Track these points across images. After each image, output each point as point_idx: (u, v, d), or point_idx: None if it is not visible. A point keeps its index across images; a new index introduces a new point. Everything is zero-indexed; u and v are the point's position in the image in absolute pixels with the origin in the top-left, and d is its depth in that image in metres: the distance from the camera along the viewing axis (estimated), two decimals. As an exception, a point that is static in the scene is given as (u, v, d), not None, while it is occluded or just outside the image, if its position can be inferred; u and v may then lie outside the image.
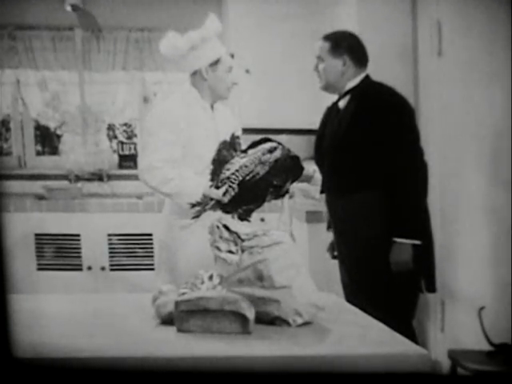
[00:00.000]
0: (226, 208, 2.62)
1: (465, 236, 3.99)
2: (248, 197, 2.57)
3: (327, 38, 3.54)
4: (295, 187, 5.21)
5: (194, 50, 3.38)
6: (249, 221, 2.54)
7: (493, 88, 3.61)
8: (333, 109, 3.58)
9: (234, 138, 2.66)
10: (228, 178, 2.56)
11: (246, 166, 2.54)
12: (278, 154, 2.54)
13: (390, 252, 3.34)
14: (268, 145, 2.57)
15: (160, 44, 3.43)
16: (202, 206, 2.71)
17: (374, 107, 3.41)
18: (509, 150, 3.41)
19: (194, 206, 2.75)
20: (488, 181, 3.66)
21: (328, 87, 3.56)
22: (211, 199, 2.70)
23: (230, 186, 2.56)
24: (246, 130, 4.75)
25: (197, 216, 2.72)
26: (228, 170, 2.58)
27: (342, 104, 3.52)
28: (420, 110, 4.38)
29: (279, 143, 2.58)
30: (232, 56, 3.51)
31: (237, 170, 2.55)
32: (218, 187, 2.61)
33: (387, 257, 3.35)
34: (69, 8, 5.76)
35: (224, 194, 2.58)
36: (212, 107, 3.48)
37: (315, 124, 4.72)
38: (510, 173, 3.40)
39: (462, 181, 3.90)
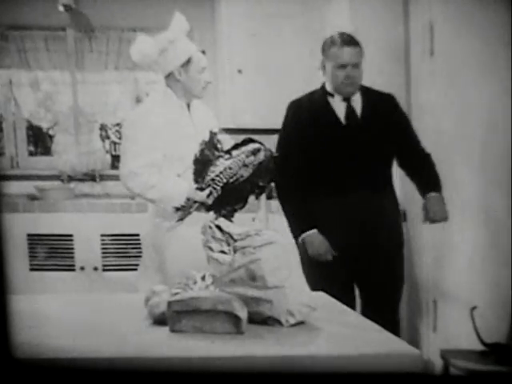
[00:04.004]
0: (209, 209, 2.62)
1: (457, 236, 3.99)
2: (232, 198, 2.58)
3: (357, 42, 3.61)
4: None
5: (164, 52, 3.37)
6: (231, 221, 2.54)
7: (485, 87, 3.62)
8: (336, 106, 3.65)
9: (212, 135, 2.65)
10: (212, 180, 2.56)
11: (230, 169, 2.54)
12: (261, 156, 2.54)
13: (427, 206, 3.60)
14: (251, 146, 2.56)
15: (130, 51, 3.43)
16: (186, 209, 2.71)
17: (385, 100, 3.76)
18: (501, 150, 3.42)
19: (178, 209, 2.75)
20: (481, 181, 3.67)
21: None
22: (195, 202, 2.70)
23: (214, 188, 2.56)
24: (238, 130, 4.76)
25: (181, 219, 2.73)
26: (212, 172, 2.58)
27: (355, 100, 3.68)
28: (412, 109, 4.39)
29: (262, 144, 2.59)
30: (203, 52, 3.48)
31: (221, 172, 2.55)
32: (201, 189, 2.61)
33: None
34: (61, 8, 5.74)
35: (208, 196, 2.58)
36: (188, 106, 3.47)
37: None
38: (503, 173, 3.41)
39: (455, 181, 3.91)
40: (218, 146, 2.64)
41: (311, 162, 3.67)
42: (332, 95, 3.66)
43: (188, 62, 3.40)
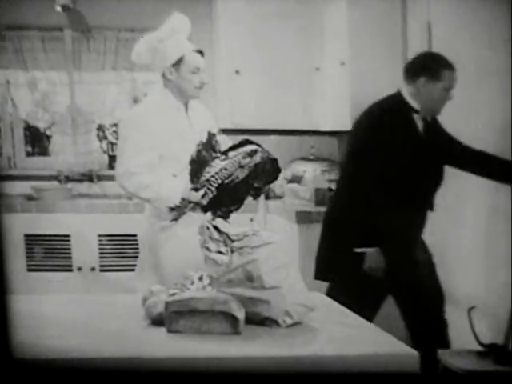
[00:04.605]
0: (204, 210, 2.62)
1: (456, 237, 3.99)
2: (227, 199, 2.57)
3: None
4: (285, 187, 5.22)
5: (155, 52, 3.37)
6: (227, 222, 2.53)
7: (484, 88, 3.62)
8: (419, 123, 3.63)
9: (210, 136, 2.64)
10: (207, 180, 2.56)
11: (225, 169, 2.53)
12: (257, 157, 2.53)
13: None
14: (248, 148, 2.56)
15: (132, 53, 3.44)
16: (180, 209, 2.71)
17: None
18: (500, 149, 3.43)
19: (172, 209, 2.75)
20: (483, 182, 3.66)
21: None
22: (190, 202, 2.69)
23: (208, 189, 2.55)
24: (236, 131, 4.76)
25: (175, 219, 2.73)
26: (208, 172, 2.57)
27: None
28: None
29: (259, 145, 2.58)
30: (201, 53, 3.45)
31: (216, 173, 2.54)
32: (197, 189, 2.60)
33: None
34: (59, 8, 5.73)
35: (203, 196, 2.57)
36: (186, 106, 3.46)
37: (305, 125, 4.71)
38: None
39: (456, 183, 3.91)
40: (216, 147, 2.63)
41: (389, 175, 3.57)
42: (417, 112, 3.58)
43: (179, 61, 3.37)
